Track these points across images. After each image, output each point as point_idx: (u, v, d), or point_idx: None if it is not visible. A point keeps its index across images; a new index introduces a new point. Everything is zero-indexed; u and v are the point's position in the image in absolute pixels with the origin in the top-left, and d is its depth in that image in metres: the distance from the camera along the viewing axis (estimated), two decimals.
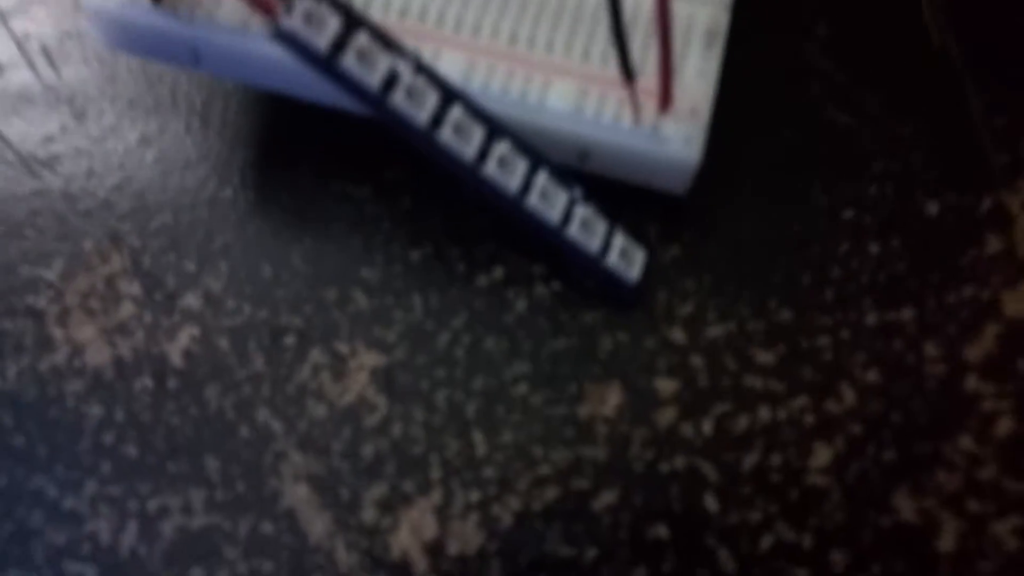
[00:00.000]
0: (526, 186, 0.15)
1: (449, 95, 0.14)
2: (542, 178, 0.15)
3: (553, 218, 0.15)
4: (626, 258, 0.16)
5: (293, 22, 0.13)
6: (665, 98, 0.15)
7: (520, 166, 0.15)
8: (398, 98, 0.14)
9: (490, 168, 0.15)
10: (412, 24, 0.16)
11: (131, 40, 0.17)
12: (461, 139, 0.14)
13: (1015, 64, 0.19)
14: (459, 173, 0.15)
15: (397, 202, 0.18)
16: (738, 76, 0.17)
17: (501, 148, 0.15)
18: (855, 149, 0.18)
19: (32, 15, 0.20)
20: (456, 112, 0.14)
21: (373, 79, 0.14)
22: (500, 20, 0.16)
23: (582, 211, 0.16)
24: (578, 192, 0.16)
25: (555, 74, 0.16)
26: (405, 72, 0.14)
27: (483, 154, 0.15)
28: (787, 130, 0.18)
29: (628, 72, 0.15)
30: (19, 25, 0.20)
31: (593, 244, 0.16)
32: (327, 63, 0.13)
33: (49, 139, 0.18)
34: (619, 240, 0.16)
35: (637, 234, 0.17)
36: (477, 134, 0.15)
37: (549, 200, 0.15)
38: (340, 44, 0.13)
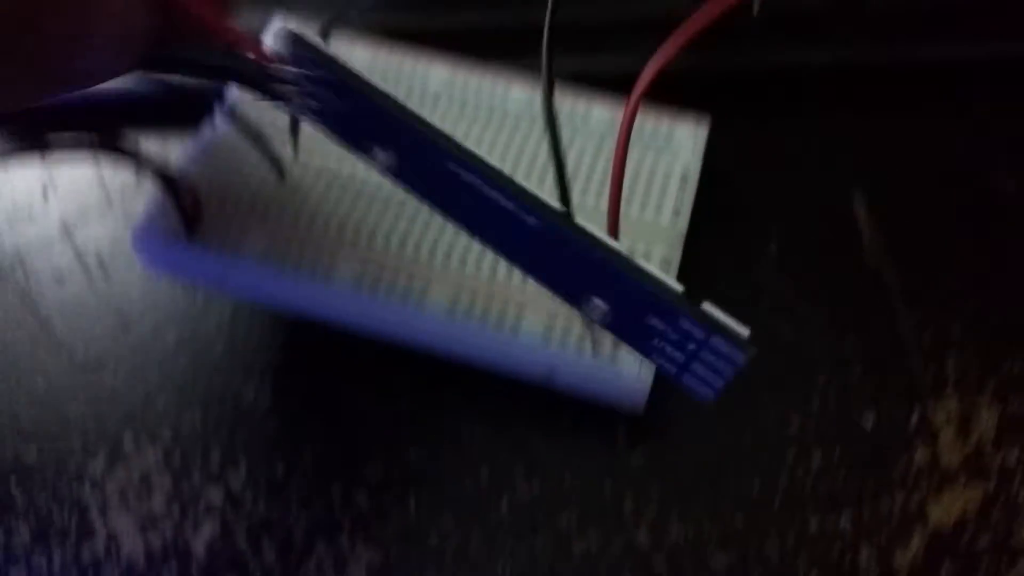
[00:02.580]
0: None
1: None
2: None
3: None
4: None
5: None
6: None
7: None
8: None
9: None
10: (410, 254, 0.19)
11: (169, 267, 0.20)
12: None
13: (942, 287, 0.21)
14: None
15: (397, 404, 0.20)
16: (696, 295, 0.19)
17: None
18: (800, 363, 0.20)
19: (92, 227, 0.22)
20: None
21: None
22: (483, 255, 0.19)
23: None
24: None
25: (526, 305, 0.18)
26: None
27: None
28: None
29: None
30: (81, 236, 0.22)
31: None
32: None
33: (98, 342, 0.21)
34: None
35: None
36: None
37: None
38: None
